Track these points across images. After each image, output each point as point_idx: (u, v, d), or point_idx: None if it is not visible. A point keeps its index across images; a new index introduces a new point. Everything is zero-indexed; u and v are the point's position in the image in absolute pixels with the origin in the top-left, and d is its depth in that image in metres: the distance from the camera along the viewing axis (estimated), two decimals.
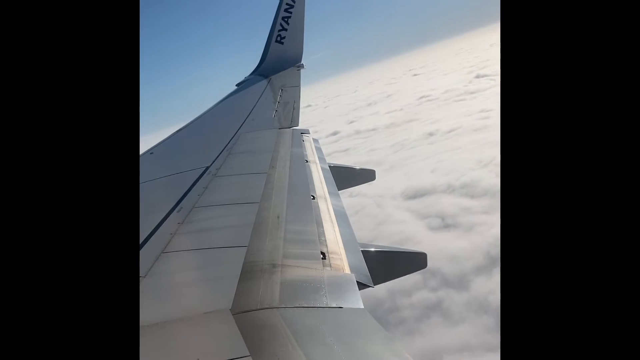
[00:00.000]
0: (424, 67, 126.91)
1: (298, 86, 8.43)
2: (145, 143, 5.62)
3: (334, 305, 1.85)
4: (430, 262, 3.15)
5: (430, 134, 38.55)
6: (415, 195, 25.11)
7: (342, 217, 3.03)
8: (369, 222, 22.71)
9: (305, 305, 1.81)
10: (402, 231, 20.97)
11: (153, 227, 2.65)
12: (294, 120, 5.87)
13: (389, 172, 31.06)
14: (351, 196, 26.93)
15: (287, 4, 10.19)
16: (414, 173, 29.07)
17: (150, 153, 5.21)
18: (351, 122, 59.36)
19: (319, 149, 4.87)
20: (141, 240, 2.45)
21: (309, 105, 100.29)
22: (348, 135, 49.59)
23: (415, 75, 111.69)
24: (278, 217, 2.73)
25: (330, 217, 2.94)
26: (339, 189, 3.81)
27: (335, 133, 52.77)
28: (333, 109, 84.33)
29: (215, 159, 4.19)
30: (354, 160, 36.08)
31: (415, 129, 42.61)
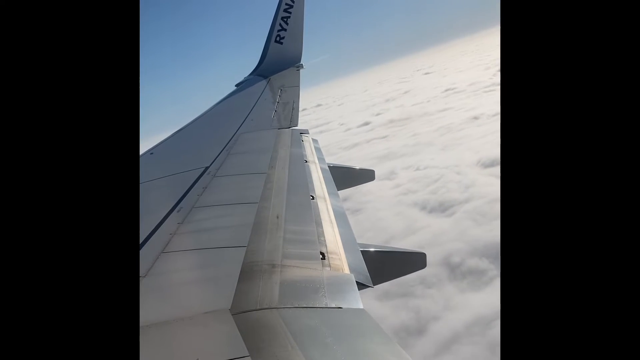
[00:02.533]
0: (432, 66, 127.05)
1: (297, 86, 8.43)
2: (145, 145, 5.63)
3: (333, 305, 1.85)
4: None
5: (476, 118, 39.19)
6: (492, 163, 25.78)
7: (341, 217, 3.03)
8: (457, 187, 23.80)
9: (305, 306, 1.82)
10: (498, 191, 21.45)
11: (153, 227, 2.65)
12: (293, 121, 5.87)
13: (447, 150, 31.95)
14: (418, 169, 28.60)
15: (286, 4, 10.19)
16: (479, 147, 29.72)
17: (150, 153, 5.21)
18: (378, 114, 59.96)
19: (318, 149, 4.87)
20: (141, 240, 2.45)
21: (320, 105, 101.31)
22: (382, 125, 50.22)
23: (426, 74, 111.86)
24: (277, 217, 2.73)
25: (329, 217, 2.94)
26: (338, 189, 3.81)
27: (366, 123, 53.62)
28: (349, 106, 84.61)
29: (215, 159, 4.19)
30: (401, 144, 37.83)
31: (453, 116, 43.05)
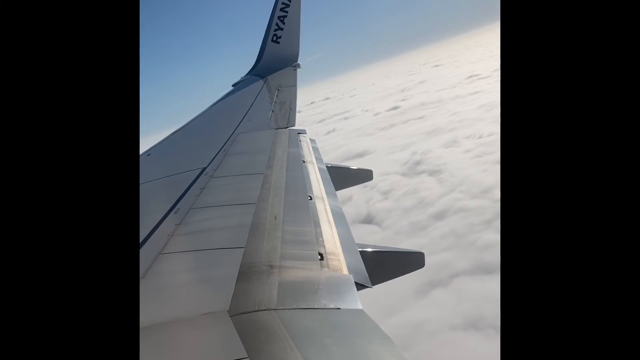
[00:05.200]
0: (440, 60, 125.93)
1: (294, 86, 8.43)
2: (143, 145, 5.62)
3: (332, 306, 1.85)
4: None
5: None
6: None
7: (339, 218, 3.03)
8: None
9: (303, 307, 1.81)
10: None
11: (150, 229, 2.64)
12: (291, 121, 5.86)
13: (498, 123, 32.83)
14: (482, 137, 29.52)
15: (282, 3, 10.18)
16: None
17: (148, 154, 5.20)
18: (403, 100, 59.92)
19: (315, 149, 4.87)
20: None
21: (328, 98, 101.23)
22: (413, 107, 50.33)
23: (436, 66, 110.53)
24: (275, 218, 2.73)
25: (327, 217, 2.94)
26: (336, 189, 3.81)
27: (395, 108, 53.98)
28: (363, 97, 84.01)
29: (212, 160, 4.18)
30: (445, 120, 38.47)
31: (490, 97, 42.74)
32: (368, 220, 23.25)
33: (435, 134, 34.37)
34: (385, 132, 41.83)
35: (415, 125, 40.72)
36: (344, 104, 78.53)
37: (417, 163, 28.65)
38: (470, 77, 62.34)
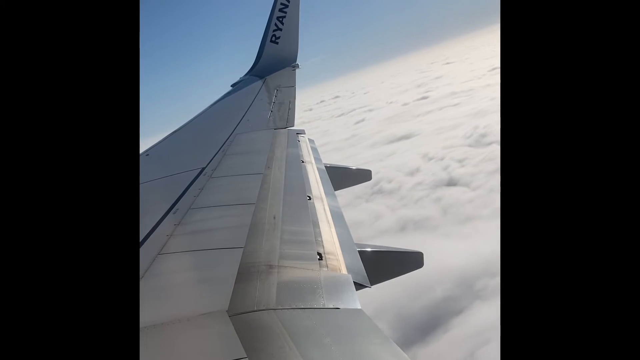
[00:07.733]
0: (449, 58, 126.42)
1: (293, 86, 8.43)
2: (142, 145, 5.61)
3: (331, 306, 1.85)
4: None
5: None
6: None
7: (338, 218, 3.03)
8: None
9: (302, 307, 1.81)
10: None
11: (149, 229, 2.64)
12: (290, 121, 5.87)
13: None
14: None
15: (281, 3, 10.19)
16: None
17: (146, 155, 5.20)
18: (427, 92, 61.00)
19: (314, 149, 4.87)
20: None
21: (338, 96, 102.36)
22: (443, 97, 51.41)
23: (447, 63, 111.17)
24: (274, 218, 2.73)
25: (326, 217, 2.94)
26: (335, 190, 3.81)
27: (424, 97, 55.57)
28: (379, 93, 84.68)
29: (211, 160, 4.18)
30: (487, 104, 39.12)
31: None
32: (452, 183, 24.87)
33: (483, 115, 35.11)
34: (422, 117, 43.13)
35: (453, 110, 41.70)
36: (359, 100, 79.41)
37: (483, 135, 29.72)
38: (494, 69, 62.73)
